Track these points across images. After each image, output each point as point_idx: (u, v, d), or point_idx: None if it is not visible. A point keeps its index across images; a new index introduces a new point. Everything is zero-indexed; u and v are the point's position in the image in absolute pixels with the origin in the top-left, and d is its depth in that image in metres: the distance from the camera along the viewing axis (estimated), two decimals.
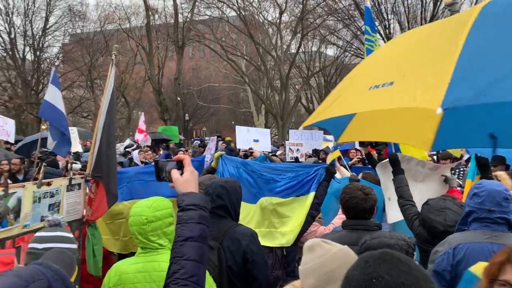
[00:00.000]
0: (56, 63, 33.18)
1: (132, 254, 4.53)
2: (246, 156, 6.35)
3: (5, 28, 30.21)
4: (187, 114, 41.37)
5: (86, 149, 11.32)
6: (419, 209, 3.36)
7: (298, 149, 8.43)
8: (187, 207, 1.63)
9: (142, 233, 2.59)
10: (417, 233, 3.24)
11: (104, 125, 4.15)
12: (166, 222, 2.58)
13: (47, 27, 31.49)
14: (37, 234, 2.24)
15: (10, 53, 30.50)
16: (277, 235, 3.97)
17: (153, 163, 5.32)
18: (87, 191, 4.16)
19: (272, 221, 4.06)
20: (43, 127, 30.51)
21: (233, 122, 41.96)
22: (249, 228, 3.34)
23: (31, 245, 2.18)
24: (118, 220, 4.99)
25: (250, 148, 7.48)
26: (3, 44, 30.46)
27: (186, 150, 12.97)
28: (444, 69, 2.04)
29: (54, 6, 31.21)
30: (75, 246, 2.23)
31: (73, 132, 9.94)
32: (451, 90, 1.90)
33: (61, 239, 2.18)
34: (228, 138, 16.84)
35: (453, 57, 2.05)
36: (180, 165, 1.77)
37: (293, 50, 30.11)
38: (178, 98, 28.91)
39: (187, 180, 1.71)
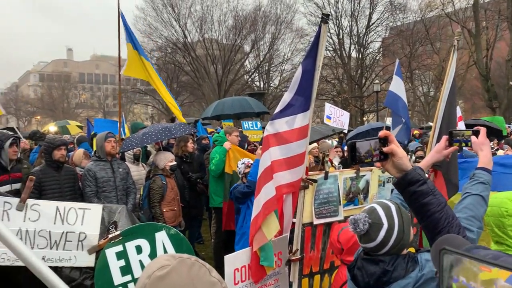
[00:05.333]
0: (377, 57, 35.16)
1: None
2: None
3: (335, 30, 34.24)
4: None
5: None
6: None
7: None
8: (426, 179, 1.72)
9: (500, 226, 2.40)
10: None
11: (444, 112, 4.06)
12: None
13: (370, 24, 33.68)
14: None
15: (338, 52, 34.40)
16: None
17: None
18: None
19: None
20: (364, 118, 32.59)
21: None
22: None
23: None
24: None
25: None
26: (333, 45, 34.66)
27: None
28: None
29: (377, 3, 32.99)
30: None
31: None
32: None
33: None
34: None
35: None
36: (385, 142, 1.69)
37: None
38: (511, 83, 25.23)
39: (405, 155, 1.74)
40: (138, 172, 6.92)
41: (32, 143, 10.05)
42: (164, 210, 6.04)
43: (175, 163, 6.38)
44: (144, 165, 7.32)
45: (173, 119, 14.20)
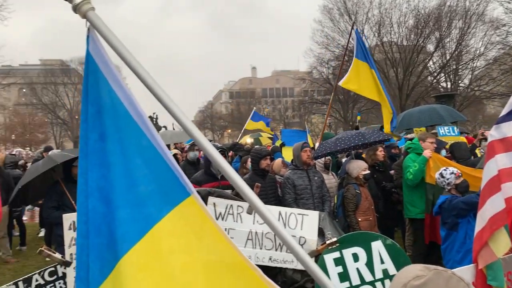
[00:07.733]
0: None
1: None
2: None
3: None
4: None
5: None
6: None
7: None
8: None
9: None
10: None
11: None
12: None
13: None
14: None
15: None
16: None
17: None
18: None
19: None
20: None
21: None
22: None
23: None
24: None
25: None
26: None
27: None
28: None
29: None
30: None
31: None
32: None
33: None
34: None
35: None
36: None
37: None
38: None
39: None
40: (328, 180, 7.07)
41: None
42: (359, 219, 5.99)
43: (369, 172, 6.29)
44: (334, 174, 7.45)
45: (357, 127, 14.14)
